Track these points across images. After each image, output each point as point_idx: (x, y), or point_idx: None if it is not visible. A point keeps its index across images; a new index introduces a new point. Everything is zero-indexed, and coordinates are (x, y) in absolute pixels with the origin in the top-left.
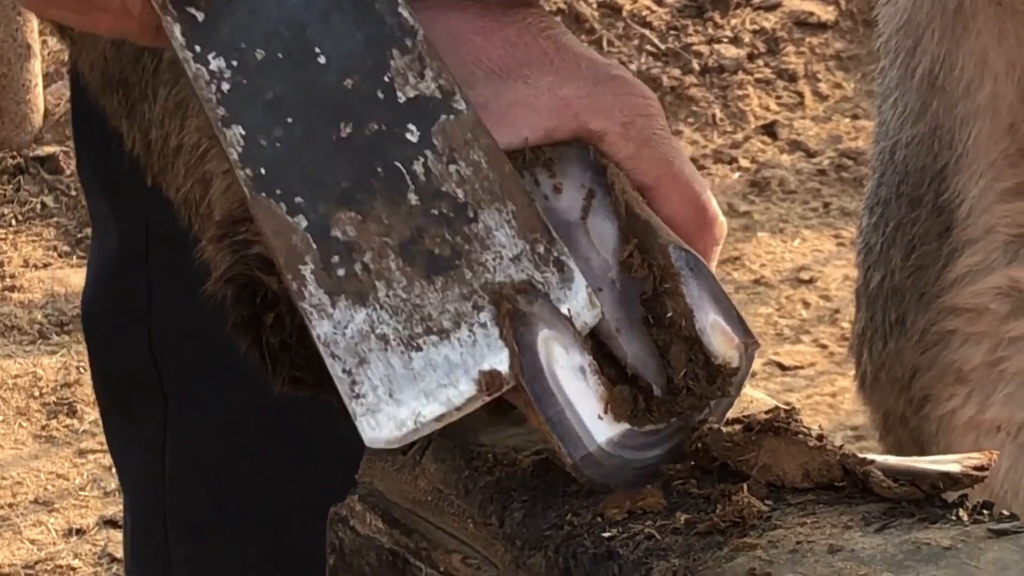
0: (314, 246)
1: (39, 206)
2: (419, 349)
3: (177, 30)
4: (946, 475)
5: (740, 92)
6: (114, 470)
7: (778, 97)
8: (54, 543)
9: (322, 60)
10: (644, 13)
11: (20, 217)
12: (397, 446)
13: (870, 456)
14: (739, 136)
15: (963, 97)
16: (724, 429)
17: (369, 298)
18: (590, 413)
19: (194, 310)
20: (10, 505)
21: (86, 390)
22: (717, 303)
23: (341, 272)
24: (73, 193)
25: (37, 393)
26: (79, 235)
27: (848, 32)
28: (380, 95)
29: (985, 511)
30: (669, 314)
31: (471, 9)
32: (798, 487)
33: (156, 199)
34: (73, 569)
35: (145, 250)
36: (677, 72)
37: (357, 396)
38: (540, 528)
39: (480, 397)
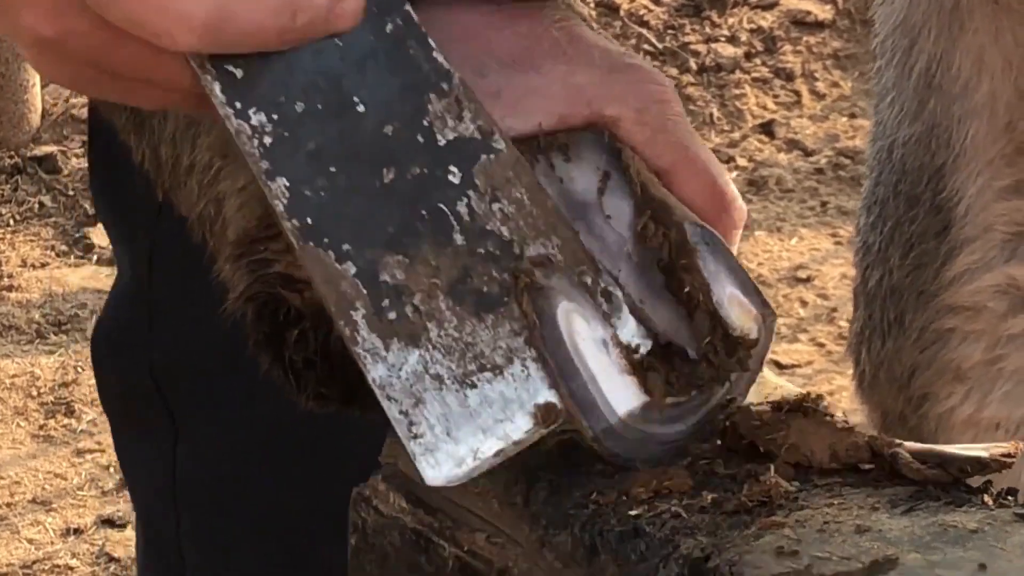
0: (364, 291)
1: (37, 206)
2: (474, 386)
3: (217, 88)
4: (975, 460)
5: (737, 91)
6: (111, 469)
7: (775, 96)
8: (52, 543)
9: (361, 109)
10: (641, 12)
11: (18, 217)
12: (458, 483)
13: (896, 440)
14: (736, 135)
15: (960, 96)
16: (753, 408)
17: (421, 339)
18: (612, 385)
19: (195, 337)
20: (8, 505)
21: (84, 390)
22: (734, 276)
23: (392, 315)
24: (71, 193)
25: (35, 393)
26: (77, 235)
27: (845, 31)
28: (420, 139)
29: (1010, 497)
30: (687, 289)
31: (483, 5)
32: (825, 468)
33: (164, 234)
34: (71, 568)
35: (148, 277)
36: (674, 71)
37: (415, 436)
38: (565, 507)
39: (537, 430)
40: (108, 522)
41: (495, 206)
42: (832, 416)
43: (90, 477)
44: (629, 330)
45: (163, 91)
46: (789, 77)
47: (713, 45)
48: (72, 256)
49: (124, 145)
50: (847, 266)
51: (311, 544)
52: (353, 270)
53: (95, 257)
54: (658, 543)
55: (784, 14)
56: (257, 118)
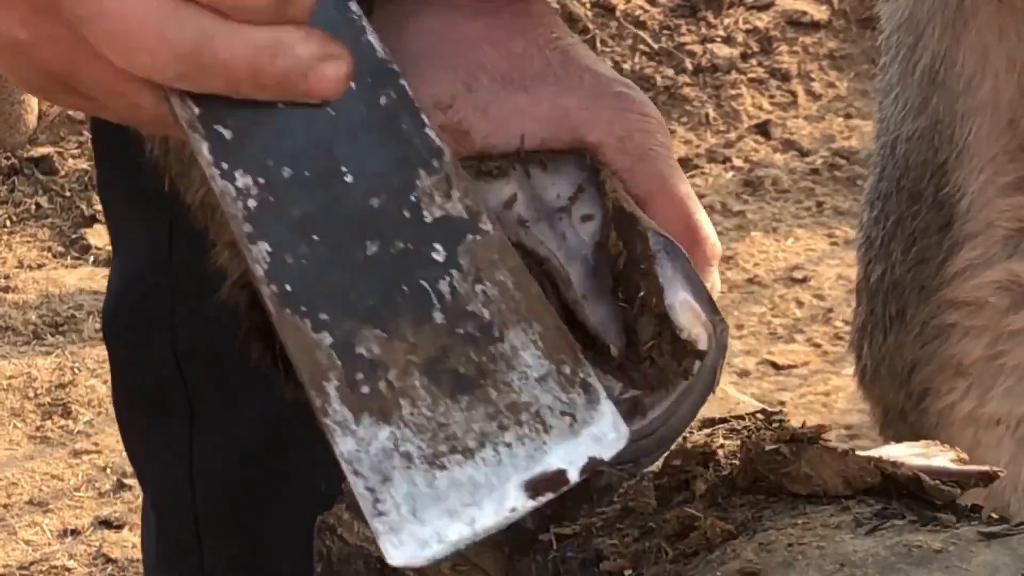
0: (338, 363)
1: (33, 207)
2: (443, 468)
3: (205, 148)
4: (985, 473)
5: (733, 91)
6: (108, 471)
7: (771, 96)
8: (49, 544)
9: (349, 179)
10: (637, 13)
11: (14, 218)
12: (419, 564)
13: (885, 457)
14: (732, 135)
15: (964, 93)
16: (763, 444)
17: (393, 416)
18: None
19: (217, 315)
20: (4, 506)
21: (80, 391)
22: (689, 284)
23: (365, 389)
24: (67, 194)
25: (32, 394)
26: (73, 236)
27: (841, 31)
28: (406, 214)
29: (974, 513)
30: (641, 292)
31: (482, 17)
32: (841, 494)
33: (178, 205)
34: (68, 570)
35: (169, 256)
36: (670, 72)
37: (380, 514)
38: (528, 532)
39: (501, 516)
40: (105, 523)
41: (478, 287)
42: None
43: (87, 478)
44: (605, 424)
45: (130, 110)
46: (785, 77)
47: (709, 45)
48: (69, 257)
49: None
50: (843, 267)
51: None
52: (329, 340)
53: (92, 258)
54: (623, 570)
55: (780, 14)
56: (243, 180)
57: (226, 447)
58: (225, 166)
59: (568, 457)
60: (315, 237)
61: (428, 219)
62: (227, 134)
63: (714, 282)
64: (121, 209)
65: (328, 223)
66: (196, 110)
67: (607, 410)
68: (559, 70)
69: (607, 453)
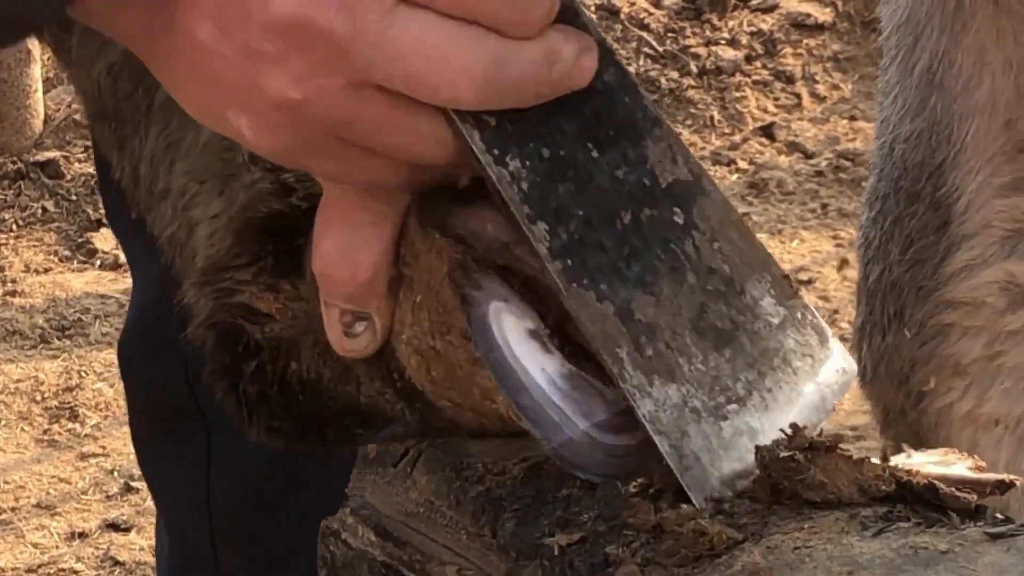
0: (624, 329)
1: (40, 211)
2: (725, 418)
3: (476, 136)
4: (1001, 482)
5: (738, 94)
6: (116, 474)
7: (776, 99)
8: (56, 547)
9: (595, 154)
10: (642, 15)
11: (21, 222)
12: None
13: (911, 466)
14: (737, 138)
15: (961, 94)
16: (779, 452)
17: (677, 374)
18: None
19: None
20: (12, 509)
21: (87, 394)
22: None
23: (650, 352)
24: (73, 198)
25: (39, 397)
26: (79, 240)
27: (845, 34)
28: (647, 182)
29: (980, 514)
30: None
31: None
32: (856, 502)
33: None
34: (75, 572)
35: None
36: (675, 74)
37: (686, 469)
38: (533, 537)
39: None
40: (113, 526)
41: (715, 245)
42: (843, 448)
43: (94, 481)
44: (836, 361)
45: (384, 161)
46: (789, 80)
47: (713, 48)
48: (75, 261)
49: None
50: (847, 268)
51: None
52: (612, 309)
53: (98, 262)
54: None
55: (784, 17)
56: (513, 164)
57: (241, 468)
58: (496, 152)
59: (819, 392)
60: (580, 212)
61: (663, 185)
62: (492, 121)
63: None
64: (129, 240)
65: (588, 198)
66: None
67: (836, 347)
68: None
69: (844, 382)
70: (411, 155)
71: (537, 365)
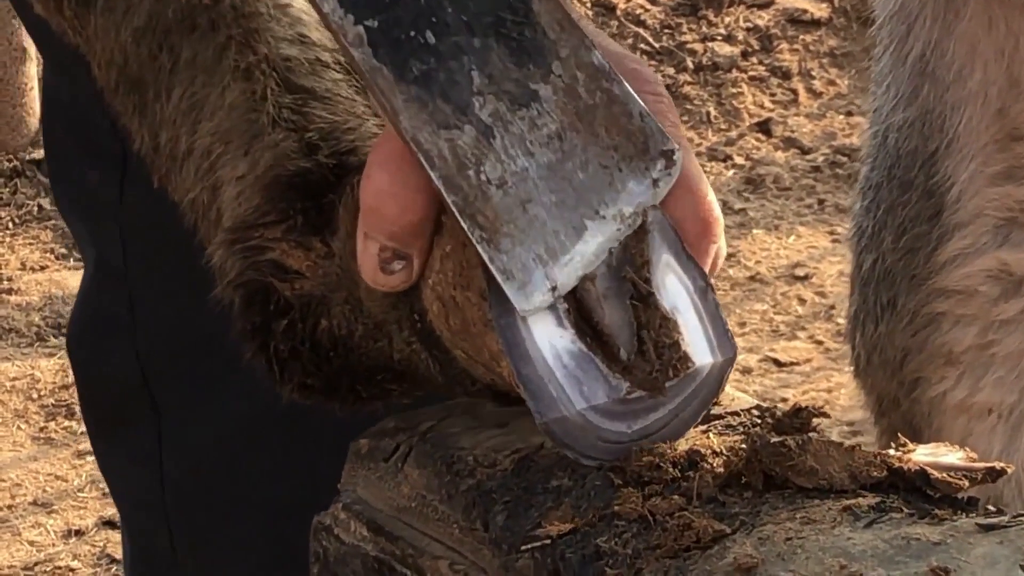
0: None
1: (36, 209)
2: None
3: None
4: (992, 468)
5: (734, 90)
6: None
7: (772, 94)
8: (53, 544)
9: None
10: (638, 12)
11: (17, 220)
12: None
13: (903, 452)
14: (733, 134)
15: (954, 82)
16: (768, 437)
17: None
18: (566, 374)
19: (179, 320)
20: (9, 507)
21: None
22: (674, 254)
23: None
24: None
25: (35, 395)
26: None
27: (842, 29)
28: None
29: (972, 505)
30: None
31: None
32: (846, 489)
33: (130, 215)
34: (72, 570)
35: (124, 266)
36: (671, 70)
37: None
38: (524, 530)
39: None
40: (109, 523)
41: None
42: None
43: (91, 479)
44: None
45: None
46: (786, 75)
47: (710, 44)
48: (71, 259)
49: (81, 128)
50: (845, 263)
51: (305, 537)
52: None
53: None
54: (621, 565)
55: (780, 12)
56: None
57: (194, 452)
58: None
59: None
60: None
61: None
62: None
63: (719, 249)
64: (76, 230)
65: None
66: None
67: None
68: None
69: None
70: None
71: (547, 338)
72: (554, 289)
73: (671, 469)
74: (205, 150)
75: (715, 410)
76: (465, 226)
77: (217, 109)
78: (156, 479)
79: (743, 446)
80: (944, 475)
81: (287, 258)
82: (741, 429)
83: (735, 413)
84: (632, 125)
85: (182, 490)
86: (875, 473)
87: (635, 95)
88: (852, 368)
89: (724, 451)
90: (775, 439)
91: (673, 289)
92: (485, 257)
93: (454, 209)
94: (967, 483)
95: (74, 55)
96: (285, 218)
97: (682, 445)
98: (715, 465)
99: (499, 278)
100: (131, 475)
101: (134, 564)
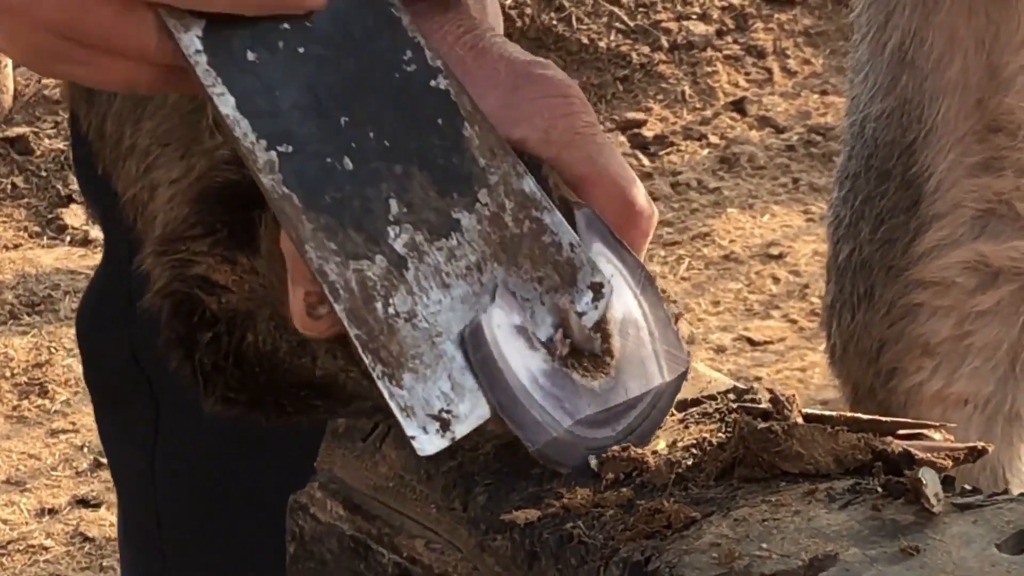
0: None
1: (9, 187)
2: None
3: (205, 61)
4: (973, 448)
5: (709, 69)
6: (85, 450)
7: (747, 73)
8: (26, 523)
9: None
10: None
11: None
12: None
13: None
14: (708, 112)
15: (932, 72)
16: (756, 424)
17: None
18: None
19: None
20: None
21: (57, 371)
22: (605, 243)
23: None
24: (43, 174)
25: (8, 374)
26: (50, 216)
27: (817, 8)
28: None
29: (947, 486)
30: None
31: None
32: (832, 474)
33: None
34: (45, 548)
35: (128, 253)
36: (646, 49)
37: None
38: (504, 511)
39: None
40: (83, 502)
41: None
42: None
43: (64, 457)
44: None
45: (126, 62)
46: (761, 54)
47: (684, 23)
48: (45, 237)
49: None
50: (819, 242)
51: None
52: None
53: (68, 238)
54: (598, 547)
55: None
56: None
57: (189, 442)
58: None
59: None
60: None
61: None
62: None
63: (643, 253)
64: (91, 207)
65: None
66: (198, 36)
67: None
68: (472, 67)
69: None
70: (132, 80)
71: (522, 363)
72: (453, 439)
73: (651, 460)
74: (145, 149)
75: (691, 395)
76: (367, 361)
77: (159, 108)
78: (147, 463)
79: (722, 434)
80: (928, 455)
81: (213, 272)
82: (718, 416)
83: (712, 397)
84: (561, 256)
85: (171, 476)
86: (859, 456)
87: (566, 224)
88: (828, 357)
89: (705, 443)
90: (762, 425)
91: (606, 270)
92: (385, 393)
93: (356, 344)
94: (951, 463)
95: None
96: (211, 232)
97: (662, 439)
98: (700, 459)
99: (398, 415)
100: (126, 455)
101: (127, 533)
